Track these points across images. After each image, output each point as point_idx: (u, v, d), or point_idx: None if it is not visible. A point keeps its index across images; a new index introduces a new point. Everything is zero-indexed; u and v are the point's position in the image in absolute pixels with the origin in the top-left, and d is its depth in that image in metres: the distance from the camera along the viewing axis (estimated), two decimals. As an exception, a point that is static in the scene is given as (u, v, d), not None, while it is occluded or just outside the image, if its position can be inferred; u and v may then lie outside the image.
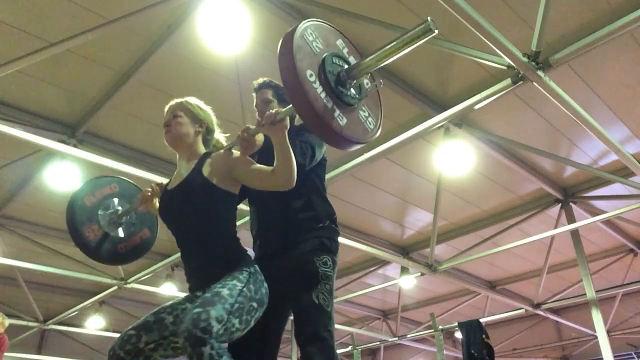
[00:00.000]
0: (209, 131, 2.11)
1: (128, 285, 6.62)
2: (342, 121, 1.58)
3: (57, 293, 8.41)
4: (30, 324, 8.33)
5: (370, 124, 1.72)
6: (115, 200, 2.46)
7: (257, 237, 2.17)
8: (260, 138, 1.99)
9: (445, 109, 4.01)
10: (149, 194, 2.19)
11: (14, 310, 8.16)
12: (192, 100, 2.11)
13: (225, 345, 1.61)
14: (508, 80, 3.44)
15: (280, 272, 1.99)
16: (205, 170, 1.92)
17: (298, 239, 2.03)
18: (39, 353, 9.57)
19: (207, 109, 2.14)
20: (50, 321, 8.39)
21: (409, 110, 4.69)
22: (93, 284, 7.32)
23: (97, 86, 4.34)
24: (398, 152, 4.96)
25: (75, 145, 4.52)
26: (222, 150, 2.00)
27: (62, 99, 4.45)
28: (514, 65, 3.21)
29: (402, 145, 4.24)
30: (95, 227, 2.35)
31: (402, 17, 3.70)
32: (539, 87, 3.36)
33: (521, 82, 3.36)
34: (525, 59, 3.17)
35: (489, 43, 3.02)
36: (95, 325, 9.05)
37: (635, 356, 8.99)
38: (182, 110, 2.05)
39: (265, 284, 1.84)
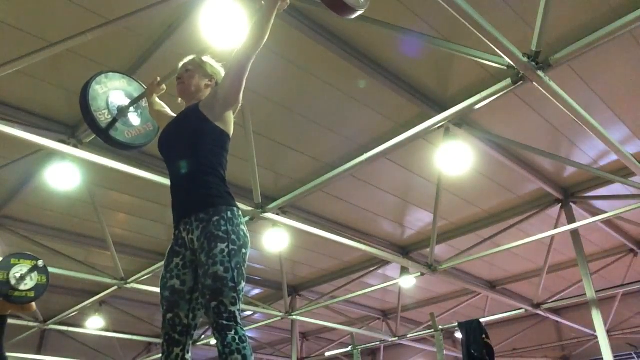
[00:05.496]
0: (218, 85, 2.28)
1: (128, 285, 6.60)
2: None
3: (57, 293, 8.38)
4: (30, 324, 8.32)
5: None
6: (124, 93, 2.75)
7: None
8: None
9: (445, 109, 4.01)
10: (157, 80, 2.52)
11: (14, 310, 8.16)
12: (204, 57, 2.31)
13: None
14: (508, 80, 3.45)
15: None
16: (201, 106, 2.12)
17: None
18: (39, 353, 9.57)
19: (218, 66, 2.32)
20: (50, 321, 8.38)
21: (409, 110, 4.69)
22: (93, 284, 7.31)
23: (97, 86, 4.33)
24: (398, 152, 4.96)
25: (75, 145, 4.50)
26: None
27: (62, 99, 4.44)
28: (514, 65, 3.21)
29: (402, 145, 4.25)
30: (106, 112, 2.62)
31: (402, 17, 3.69)
32: (539, 87, 3.37)
33: (521, 82, 3.37)
34: (525, 59, 3.17)
35: (489, 43, 3.02)
36: (95, 325, 9.06)
37: (635, 356, 8.98)
38: (193, 65, 2.26)
39: (243, 222, 1.89)
